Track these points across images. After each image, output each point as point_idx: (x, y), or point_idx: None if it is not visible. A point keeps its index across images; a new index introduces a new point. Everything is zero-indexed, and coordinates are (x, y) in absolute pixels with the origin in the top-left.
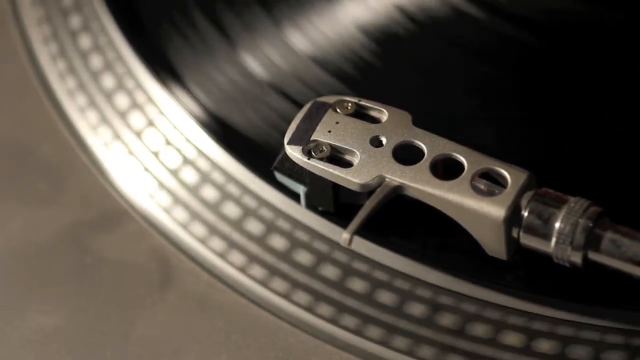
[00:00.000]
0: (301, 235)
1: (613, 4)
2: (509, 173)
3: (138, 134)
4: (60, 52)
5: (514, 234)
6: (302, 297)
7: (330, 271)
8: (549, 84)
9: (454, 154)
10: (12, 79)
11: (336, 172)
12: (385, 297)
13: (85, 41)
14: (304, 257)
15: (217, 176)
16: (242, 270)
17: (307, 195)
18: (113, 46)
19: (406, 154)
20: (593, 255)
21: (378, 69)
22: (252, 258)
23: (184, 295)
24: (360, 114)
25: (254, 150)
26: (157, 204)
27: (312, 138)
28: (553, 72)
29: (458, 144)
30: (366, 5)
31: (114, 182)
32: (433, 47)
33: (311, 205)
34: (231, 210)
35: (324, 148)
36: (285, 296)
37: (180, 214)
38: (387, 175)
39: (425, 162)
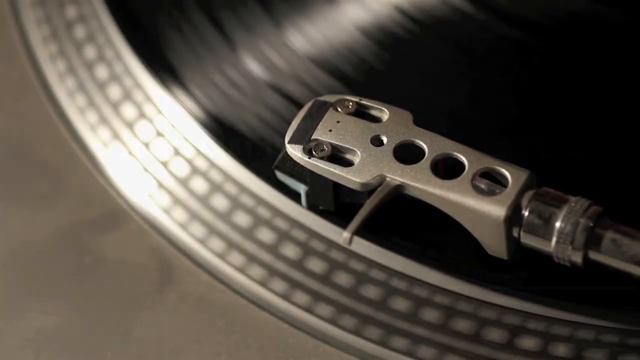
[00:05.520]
0: (300, 236)
1: (613, 4)
2: (509, 172)
3: (137, 134)
4: (60, 52)
5: (515, 233)
6: (301, 297)
7: (331, 273)
8: (549, 84)
9: (455, 153)
10: (12, 79)
11: (337, 171)
12: (391, 300)
13: (85, 41)
14: (304, 258)
15: (216, 176)
16: (242, 270)
17: (308, 195)
18: (112, 46)
19: (407, 153)
20: (594, 255)
21: (378, 69)
22: (251, 258)
23: (184, 295)
24: (361, 113)
25: (254, 150)
26: (157, 204)
27: (313, 137)
28: (553, 71)
29: (459, 143)
30: (366, 5)
31: (113, 182)
32: (433, 47)
33: (312, 205)
34: (230, 210)
35: (325, 147)
36: (285, 296)
37: (180, 214)
38: (387, 175)
39: (425, 162)
